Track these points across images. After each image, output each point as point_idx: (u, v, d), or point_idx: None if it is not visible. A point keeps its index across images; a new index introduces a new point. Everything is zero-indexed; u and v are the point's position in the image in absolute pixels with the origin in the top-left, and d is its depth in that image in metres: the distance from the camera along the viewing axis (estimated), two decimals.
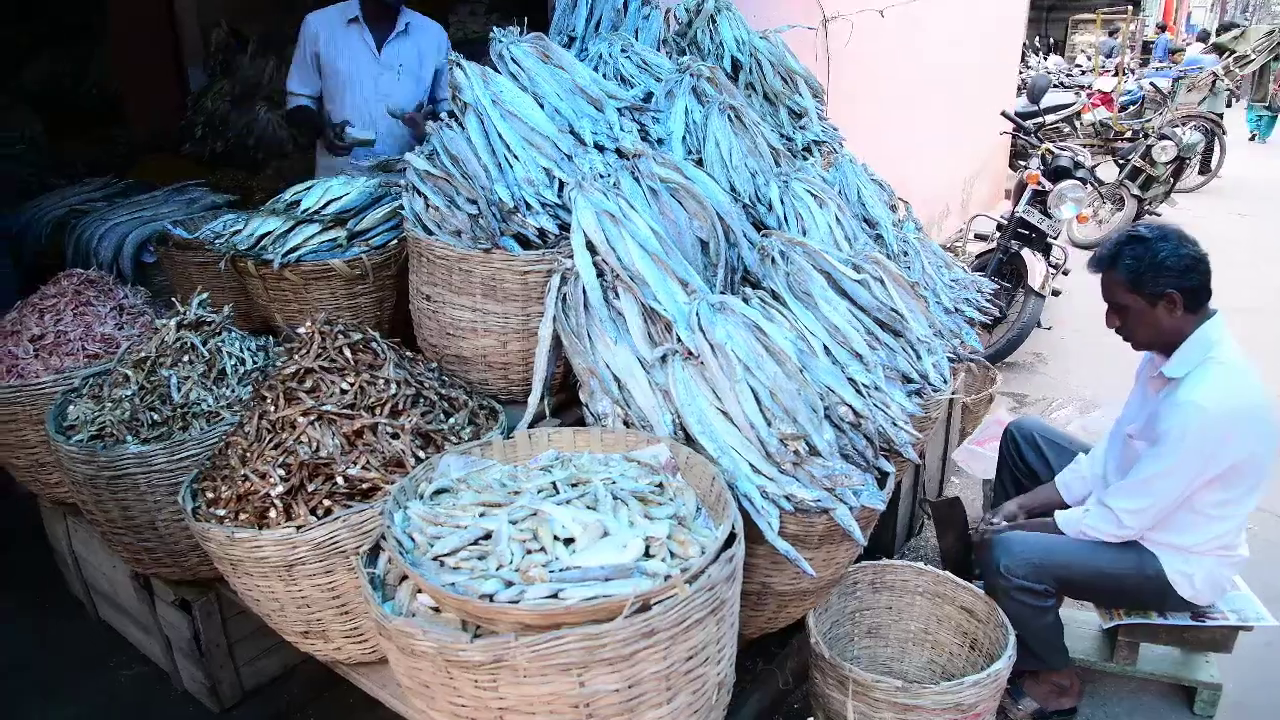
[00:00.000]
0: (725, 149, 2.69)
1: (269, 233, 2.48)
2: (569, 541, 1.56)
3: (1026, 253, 5.17)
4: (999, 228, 5.55)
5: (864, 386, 2.10)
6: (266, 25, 5.95)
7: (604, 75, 2.84)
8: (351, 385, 1.87)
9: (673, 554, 1.56)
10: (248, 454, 1.83)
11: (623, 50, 2.95)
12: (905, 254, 2.90)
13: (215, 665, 2.53)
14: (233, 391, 2.24)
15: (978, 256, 5.43)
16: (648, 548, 1.55)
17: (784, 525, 1.85)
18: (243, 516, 1.80)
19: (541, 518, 1.58)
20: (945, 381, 2.42)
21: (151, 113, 5.84)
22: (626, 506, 1.67)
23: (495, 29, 2.50)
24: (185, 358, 2.24)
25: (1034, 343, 5.31)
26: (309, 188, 2.58)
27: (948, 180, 7.47)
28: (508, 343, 2.33)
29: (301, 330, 1.94)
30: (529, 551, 1.53)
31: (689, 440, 1.95)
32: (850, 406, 2.01)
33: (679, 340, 2.00)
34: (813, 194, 2.66)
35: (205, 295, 2.34)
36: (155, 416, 2.19)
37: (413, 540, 1.60)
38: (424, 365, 2.11)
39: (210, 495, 1.86)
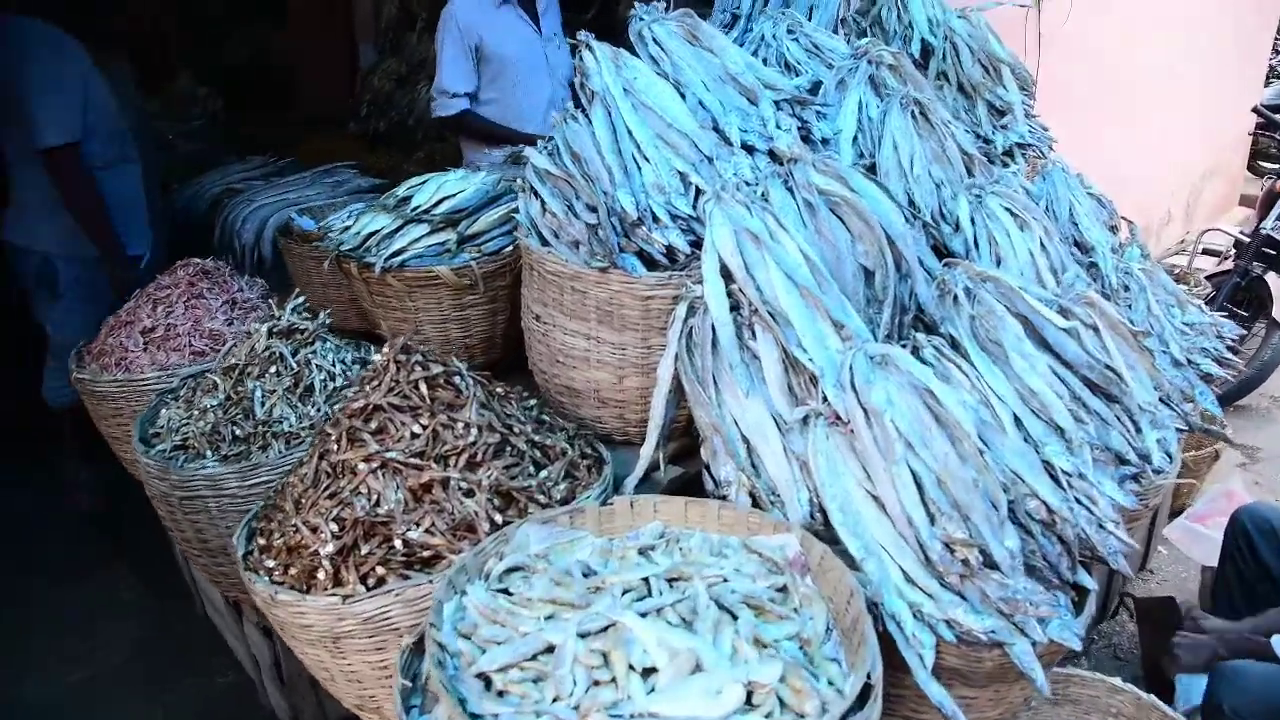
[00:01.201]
0: (905, 153, 2.22)
1: (376, 231, 2.25)
2: (649, 671, 1.21)
3: (1272, 277, 4.33)
4: (1237, 245, 4.70)
5: (1064, 474, 1.62)
6: (436, 2, 5.85)
7: (764, 61, 2.42)
8: (424, 428, 1.58)
9: (783, 703, 1.19)
10: (302, 500, 1.58)
11: (789, 31, 2.51)
12: (1126, 289, 2.34)
13: (297, 695, 2.35)
14: (318, 410, 2.01)
15: (1209, 278, 4.62)
16: (750, 693, 1.18)
17: (942, 657, 1.42)
18: (292, 571, 1.56)
19: (619, 633, 1.24)
20: (1171, 460, 1.88)
21: (323, 90, 5.88)
22: (733, 623, 1.30)
23: (637, 4, 2.14)
24: (273, 369, 2.04)
25: (1273, 384, 4.45)
26: (424, 182, 2.32)
27: (1171, 184, 6.49)
28: (624, 378, 1.99)
29: (377, 357, 1.67)
30: (596, 682, 1.19)
31: (827, 525, 1.55)
32: (1044, 503, 1.54)
33: (825, 400, 1.59)
34: (1012, 212, 2.16)
35: (301, 299, 2.13)
36: (237, 432, 2.01)
37: (461, 642, 1.29)
38: (517, 404, 1.80)
39: (263, 541, 1.63)
